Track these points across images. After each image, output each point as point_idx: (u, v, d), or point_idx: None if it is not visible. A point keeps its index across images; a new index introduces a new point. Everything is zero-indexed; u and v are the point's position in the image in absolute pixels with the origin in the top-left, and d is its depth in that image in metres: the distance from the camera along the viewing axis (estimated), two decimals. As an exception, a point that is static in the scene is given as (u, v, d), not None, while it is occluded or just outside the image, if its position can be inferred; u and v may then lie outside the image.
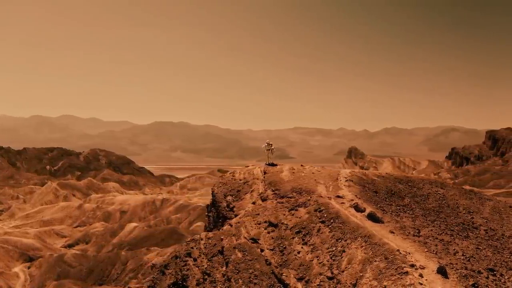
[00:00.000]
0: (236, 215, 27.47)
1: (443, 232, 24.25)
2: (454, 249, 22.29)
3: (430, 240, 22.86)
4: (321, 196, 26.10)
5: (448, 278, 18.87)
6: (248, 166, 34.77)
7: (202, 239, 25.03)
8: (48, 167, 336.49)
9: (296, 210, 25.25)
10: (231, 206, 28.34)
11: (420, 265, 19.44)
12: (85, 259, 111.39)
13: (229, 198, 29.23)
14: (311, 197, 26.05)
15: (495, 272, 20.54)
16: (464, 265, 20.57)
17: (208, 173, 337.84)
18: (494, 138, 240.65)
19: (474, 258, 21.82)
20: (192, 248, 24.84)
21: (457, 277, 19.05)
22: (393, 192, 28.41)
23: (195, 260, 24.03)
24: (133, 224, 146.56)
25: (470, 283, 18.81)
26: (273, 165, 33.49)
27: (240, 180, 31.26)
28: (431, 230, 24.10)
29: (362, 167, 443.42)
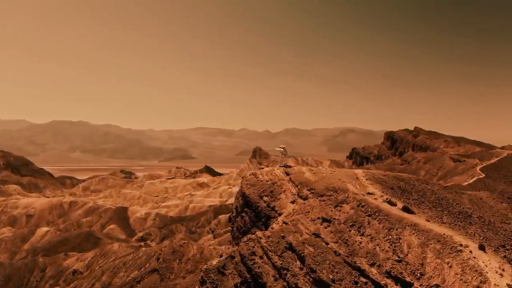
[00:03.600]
0: (279, 214, 29.83)
1: (454, 220, 29.77)
2: (472, 232, 27.80)
3: (452, 226, 28.11)
4: (356, 193, 29.86)
5: (486, 253, 24.07)
6: (262, 168, 37.11)
7: (261, 238, 26.97)
8: None
9: (341, 206, 28.62)
10: (271, 205, 30.54)
11: (465, 244, 24.32)
12: (1, 266, 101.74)
13: (265, 198, 31.36)
14: (348, 195, 29.65)
15: (506, 247, 26.35)
16: (486, 243, 26.03)
17: (110, 174, 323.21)
18: (392, 139, 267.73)
19: (486, 238, 27.52)
20: (253, 247, 26.64)
21: (491, 252, 24.35)
22: (402, 188, 33.41)
23: (261, 257, 25.93)
24: (44, 229, 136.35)
25: (502, 255, 24.26)
26: (287, 166, 36.35)
27: (267, 181, 33.55)
28: (447, 218, 29.44)
29: (267, 167, 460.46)
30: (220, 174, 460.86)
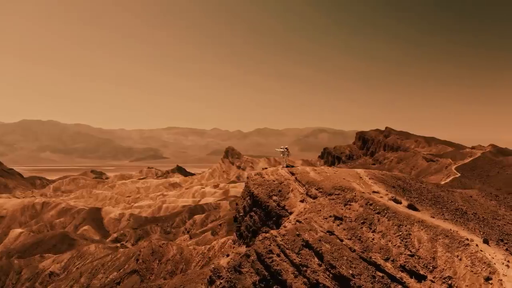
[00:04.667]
0: (290, 213, 30.68)
1: (454, 216, 31.56)
2: (472, 227, 29.61)
3: (454, 222, 29.83)
4: (363, 192, 31.12)
5: (490, 246, 25.82)
6: (266, 168, 37.87)
7: (277, 236, 27.74)
8: None
9: (350, 204, 29.77)
10: (281, 205, 31.35)
11: (470, 238, 25.98)
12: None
13: (275, 198, 32.13)
14: (355, 193, 30.86)
15: (505, 241, 28.28)
16: (487, 237, 27.85)
17: (81, 174, 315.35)
18: (364, 139, 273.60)
19: (485, 233, 29.40)
20: (269, 245, 27.38)
21: (494, 245, 26.14)
22: (402, 187, 35.00)
23: (278, 255, 26.70)
24: (18, 230, 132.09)
25: (504, 248, 26.08)
26: (290, 166, 37.26)
27: (273, 181, 34.32)
28: (448, 215, 31.18)
29: (239, 167, 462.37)
30: (192, 174, 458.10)
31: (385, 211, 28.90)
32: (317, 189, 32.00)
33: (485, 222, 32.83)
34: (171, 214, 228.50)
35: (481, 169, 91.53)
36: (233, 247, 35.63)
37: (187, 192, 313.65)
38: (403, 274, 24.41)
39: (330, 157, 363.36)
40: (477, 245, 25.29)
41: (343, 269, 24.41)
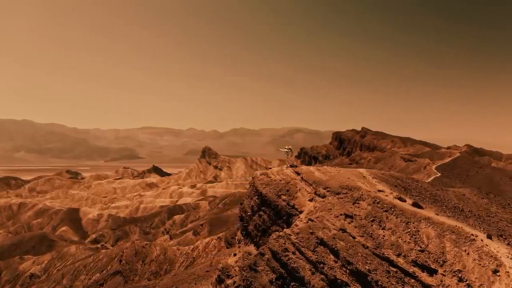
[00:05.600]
0: (300, 211, 31.51)
1: (454, 213, 33.16)
2: (472, 224, 31.23)
3: (456, 219, 31.37)
4: (369, 191, 32.27)
5: (493, 241, 27.38)
6: (270, 168, 38.57)
7: (291, 235, 28.50)
8: None
9: (359, 203, 30.84)
10: (291, 204, 32.14)
11: (475, 234, 27.46)
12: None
13: (284, 197, 32.88)
14: (362, 192, 31.97)
15: (504, 236, 30.01)
16: (488, 233, 29.45)
17: (56, 174, 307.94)
18: (340, 139, 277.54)
19: (483, 229, 31.07)
20: (284, 244, 28.11)
21: (497, 240, 27.74)
22: (402, 186, 36.42)
23: (294, 253, 27.47)
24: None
25: (506, 243, 27.72)
26: (293, 166, 38.13)
27: (280, 180, 35.07)
28: (449, 212, 32.74)
29: (216, 167, 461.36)
30: (168, 174, 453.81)
31: (393, 209, 30.11)
32: (324, 188, 32.92)
33: (482, 219, 34.61)
34: (150, 214, 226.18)
35: (460, 168, 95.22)
36: (239, 246, 36.14)
37: (164, 192, 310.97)
38: (415, 269, 25.60)
39: (307, 157, 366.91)
40: (482, 240, 26.79)
41: (360, 265, 25.39)
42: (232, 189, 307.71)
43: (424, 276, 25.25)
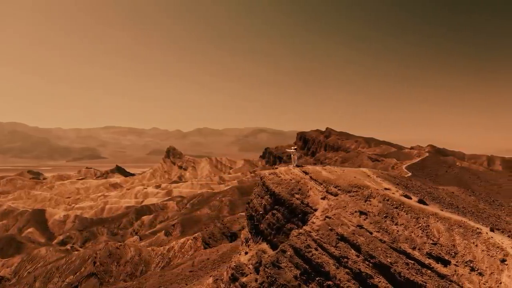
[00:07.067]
0: (315, 209, 32.91)
1: (452, 210, 35.69)
2: (470, 219, 33.79)
3: (457, 214, 33.83)
4: (377, 189, 34.17)
5: (496, 234, 29.95)
6: (276, 168, 39.77)
7: (311, 232, 29.81)
8: None
9: (370, 200, 32.62)
10: (305, 202, 33.50)
11: (479, 227, 29.92)
12: None
13: (297, 196, 34.16)
14: (371, 190, 33.81)
15: (501, 230, 32.77)
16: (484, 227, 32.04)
17: (17, 174, 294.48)
18: (304, 139, 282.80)
19: (481, 223, 33.73)
20: (305, 240, 29.40)
21: (499, 233, 30.34)
22: (402, 184, 38.66)
23: (316, 249, 28.80)
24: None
25: (506, 235, 30.38)
26: (299, 166, 39.55)
27: (291, 180, 36.33)
28: (452, 209, 35.21)
29: (180, 167, 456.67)
30: (132, 174, 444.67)
31: (402, 206, 32.13)
32: (335, 187, 34.49)
33: (475, 215, 37.45)
34: (117, 215, 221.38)
35: (430, 168, 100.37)
36: (248, 245, 37.11)
37: (129, 193, 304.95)
38: (431, 260, 27.61)
39: (272, 157, 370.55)
40: (487, 233, 29.28)
41: (382, 258, 27.10)
42: (197, 189, 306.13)
43: (439, 267, 27.30)
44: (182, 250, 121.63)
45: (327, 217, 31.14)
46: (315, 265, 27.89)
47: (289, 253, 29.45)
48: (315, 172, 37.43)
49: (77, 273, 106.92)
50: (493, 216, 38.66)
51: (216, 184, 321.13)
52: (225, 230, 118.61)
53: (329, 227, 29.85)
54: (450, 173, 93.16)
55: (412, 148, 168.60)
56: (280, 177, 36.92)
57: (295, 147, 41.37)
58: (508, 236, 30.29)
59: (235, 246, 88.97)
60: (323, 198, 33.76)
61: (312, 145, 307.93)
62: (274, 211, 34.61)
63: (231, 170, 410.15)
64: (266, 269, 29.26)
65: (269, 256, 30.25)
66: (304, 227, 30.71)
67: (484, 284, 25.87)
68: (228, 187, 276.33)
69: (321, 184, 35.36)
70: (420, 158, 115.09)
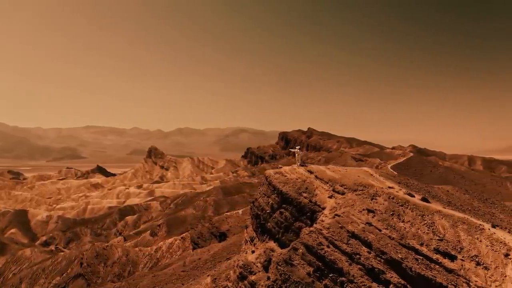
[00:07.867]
0: (323, 208, 33.70)
1: (453, 208, 37.02)
2: (471, 216, 35.15)
3: (459, 211, 35.16)
4: (382, 188, 35.21)
5: (497, 230, 31.35)
6: (280, 167, 40.47)
7: (322, 230, 30.57)
8: None
9: (376, 199, 33.62)
10: (313, 200, 34.26)
11: (482, 224, 31.26)
12: None
13: (305, 195, 34.88)
14: (376, 189, 34.83)
15: (500, 226, 34.20)
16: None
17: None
18: (286, 139, 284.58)
19: (481, 220, 35.11)
20: (317, 238, 30.14)
21: (499, 229, 31.75)
22: (403, 183, 39.87)
23: (328, 246, 29.57)
24: None
25: (507, 231, 31.81)
26: (303, 165, 40.31)
27: (297, 179, 37.03)
28: (451, 207, 36.53)
29: (162, 167, 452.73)
30: (113, 175, 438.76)
31: (407, 204, 33.23)
32: (341, 186, 35.35)
33: (473, 212, 38.93)
34: (100, 215, 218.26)
35: (414, 168, 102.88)
36: (254, 244, 37.63)
37: (110, 193, 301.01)
38: (438, 256, 28.72)
39: (254, 157, 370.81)
40: (489, 229, 30.63)
41: (393, 254, 28.06)
42: (179, 190, 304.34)
43: (447, 262, 28.44)
44: (170, 251, 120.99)
45: (336, 215, 31.93)
46: (328, 262, 28.62)
47: (301, 250, 30.11)
48: (320, 171, 38.21)
49: (64, 274, 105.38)
50: (488, 213, 40.22)
51: (198, 184, 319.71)
52: (214, 230, 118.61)
53: (339, 225, 30.65)
54: (434, 172, 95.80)
55: (393, 148, 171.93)
56: (286, 176, 37.55)
57: (299, 146, 42.10)
58: (509, 232, 31.72)
59: (227, 246, 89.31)
60: (330, 197, 34.55)
61: (294, 145, 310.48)
62: (282, 210, 35.21)
63: (213, 170, 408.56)
64: (279, 267, 29.83)
65: (280, 254, 30.84)
66: (314, 225, 31.41)
67: (490, 277, 27.13)
68: (211, 187, 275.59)
69: (327, 183, 36.15)
70: (404, 158, 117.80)
